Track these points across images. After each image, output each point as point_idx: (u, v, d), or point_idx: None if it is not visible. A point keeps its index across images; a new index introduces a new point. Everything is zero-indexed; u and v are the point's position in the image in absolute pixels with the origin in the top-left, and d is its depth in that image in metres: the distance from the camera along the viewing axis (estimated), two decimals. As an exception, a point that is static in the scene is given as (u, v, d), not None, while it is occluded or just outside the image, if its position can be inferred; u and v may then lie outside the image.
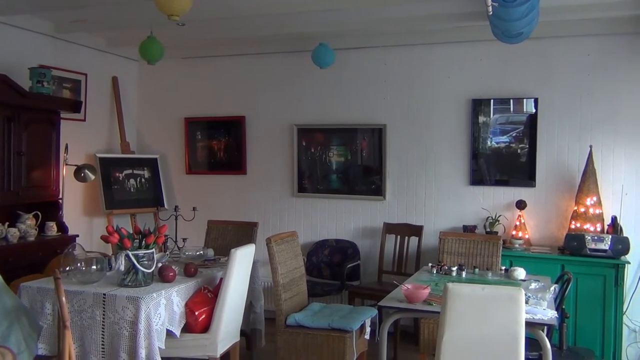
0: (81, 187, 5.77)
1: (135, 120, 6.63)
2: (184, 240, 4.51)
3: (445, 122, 5.51)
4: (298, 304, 4.18)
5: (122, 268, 3.45)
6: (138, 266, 3.44)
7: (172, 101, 6.51)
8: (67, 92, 5.63)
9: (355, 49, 5.73)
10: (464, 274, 4.11)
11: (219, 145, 6.33)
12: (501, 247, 4.52)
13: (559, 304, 3.52)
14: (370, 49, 5.71)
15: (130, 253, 3.43)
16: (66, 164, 5.30)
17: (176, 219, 4.63)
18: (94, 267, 3.55)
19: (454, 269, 4.15)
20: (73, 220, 5.51)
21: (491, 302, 2.56)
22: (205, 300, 3.67)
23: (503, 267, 4.26)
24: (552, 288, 3.41)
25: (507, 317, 2.56)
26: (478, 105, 5.38)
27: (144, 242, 3.52)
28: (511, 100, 5.30)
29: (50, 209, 5.10)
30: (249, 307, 4.47)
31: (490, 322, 2.57)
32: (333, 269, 5.65)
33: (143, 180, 6.22)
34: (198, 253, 4.23)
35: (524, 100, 5.25)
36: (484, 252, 4.53)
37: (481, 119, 5.38)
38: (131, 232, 3.60)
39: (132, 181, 6.12)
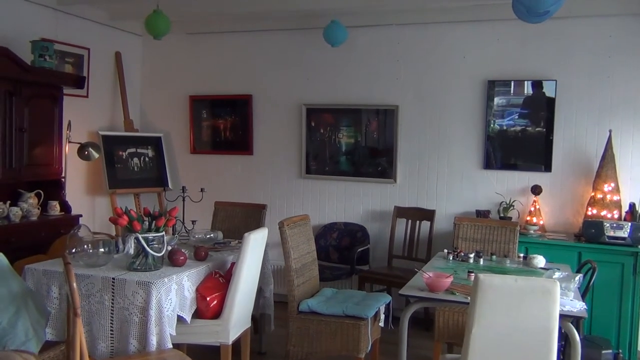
0: (83, 166, 5.61)
1: (139, 97, 6.45)
2: (193, 222, 4.37)
3: (459, 104, 5.36)
4: (310, 289, 4.06)
5: (132, 251, 3.31)
6: (148, 250, 3.30)
7: (177, 78, 6.32)
8: (70, 67, 5.44)
9: (368, 27, 5.55)
10: (481, 261, 3.99)
11: (225, 124, 6.16)
12: (518, 234, 4.39)
13: (583, 294, 3.40)
14: (384, 27, 5.53)
15: (140, 236, 3.29)
16: (69, 142, 5.13)
17: (183, 200, 4.48)
18: (102, 249, 3.41)
19: (471, 255, 4.03)
20: (75, 200, 5.37)
21: (524, 294, 2.44)
22: (217, 285, 3.54)
23: (521, 255, 4.14)
24: (577, 278, 3.29)
25: (541, 310, 2.44)
26: (494, 87, 5.22)
27: (153, 224, 3.38)
28: (528, 82, 5.14)
29: (53, 187, 4.95)
30: (259, 291, 4.35)
31: (523, 315, 2.45)
32: (342, 252, 5.54)
33: (147, 159, 6.06)
34: (209, 236, 4.09)
35: (542, 82, 5.09)
36: (500, 238, 4.41)
37: (497, 100, 5.23)
38: (136, 212, 3.44)
39: (135, 160, 5.96)
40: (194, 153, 6.30)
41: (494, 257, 4.11)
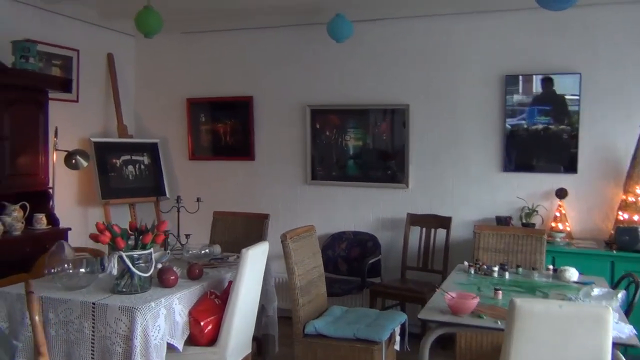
0: (74, 175, 5.27)
1: (134, 101, 6.09)
2: (187, 236, 3.99)
3: (475, 101, 4.96)
4: (317, 308, 3.68)
5: (115, 272, 2.94)
6: (133, 270, 2.93)
7: (173, 80, 5.96)
8: (57, 70, 5.10)
9: (376, 20, 5.17)
10: (506, 274, 3.59)
11: (225, 128, 5.79)
12: (545, 243, 3.99)
13: (627, 314, 2.99)
14: (392, 20, 5.15)
15: (124, 254, 2.92)
16: (56, 150, 4.78)
17: (178, 210, 4.10)
18: (82, 269, 3.04)
19: (495, 268, 3.63)
20: (66, 211, 5.03)
21: (571, 322, 2.05)
22: (212, 307, 3.16)
23: (550, 267, 3.74)
24: (619, 295, 2.89)
25: (591, 340, 2.04)
26: (512, 82, 4.83)
27: (140, 240, 3.01)
28: (550, 77, 4.74)
29: (39, 199, 4.60)
30: (261, 310, 3.98)
31: (569, 347, 2.06)
32: (351, 264, 5.14)
33: (142, 166, 5.70)
34: (204, 252, 3.70)
35: (565, 76, 4.69)
36: (526, 248, 4.01)
37: (516, 97, 4.84)
38: (128, 226, 3.07)
39: (130, 168, 5.60)
40: (193, 159, 5.93)
41: (520, 269, 3.71)
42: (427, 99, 5.09)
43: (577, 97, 4.65)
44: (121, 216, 5.63)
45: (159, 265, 3.31)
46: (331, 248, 5.24)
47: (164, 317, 2.90)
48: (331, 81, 5.38)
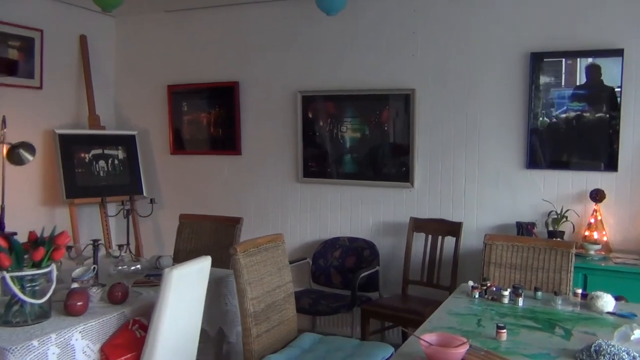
0: (39, 171, 4.71)
1: (113, 89, 5.48)
2: (121, 247, 3.31)
3: (494, 85, 4.15)
4: (280, 338, 2.96)
5: (-4, 298, 2.29)
6: (19, 295, 2.27)
7: (154, 65, 5.33)
8: (15, 53, 4.52)
9: (375, -10, 4.42)
10: (520, 301, 2.79)
11: (209, 118, 5.12)
12: (574, 259, 3.16)
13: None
14: (395, -10, 4.39)
15: (8, 276, 2.27)
16: (3, 143, 4.19)
17: (128, 214, 3.42)
18: (-36, 293, 2.40)
19: (506, 293, 2.83)
20: (26, 213, 4.50)
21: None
22: (132, 341, 2.49)
23: (579, 291, 2.90)
24: (671, 341, 2.08)
25: None
26: (539, 62, 4.00)
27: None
28: (585, 54, 3.89)
29: (-16, 199, 4.04)
30: (220, 336, 3.30)
31: None
32: (345, 275, 4.41)
33: (116, 162, 5.08)
34: (133, 268, 3.00)
35: (604, 53, 3.83)
36: (549, 265, 3.19)
37: (543, 79, 4.01)
38: (8, 240, 2.40)
39: (101, 163, 4.99)
40: (175, 154, 5.28)
41: (539, 293, 2.90)
42: (437, 82, 4.30)
43: (619, 80, 3.78)
44: (94, 218, 5.05)
45: (74, 286, 2.66)
46: (323, 256, 4.52)
47: (57, 357, 2.23)
48: (325, 63, 4.64)
